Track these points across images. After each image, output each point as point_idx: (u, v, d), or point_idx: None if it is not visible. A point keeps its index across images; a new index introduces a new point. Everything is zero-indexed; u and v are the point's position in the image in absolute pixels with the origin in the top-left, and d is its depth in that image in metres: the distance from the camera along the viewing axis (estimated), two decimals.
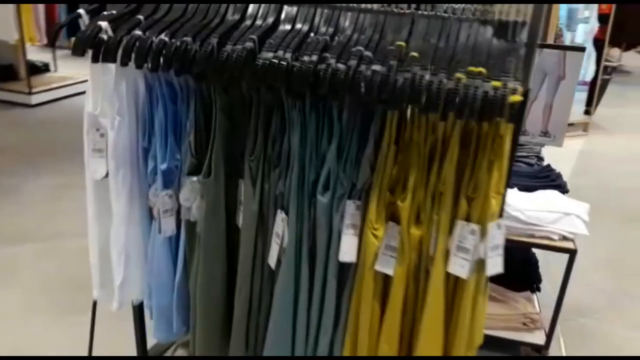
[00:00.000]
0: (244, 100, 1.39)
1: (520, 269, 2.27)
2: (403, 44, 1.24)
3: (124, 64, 1.40)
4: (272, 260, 1.44)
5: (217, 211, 1.46)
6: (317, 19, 1.36)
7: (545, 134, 2.25)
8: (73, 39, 1.43)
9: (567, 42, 5.02)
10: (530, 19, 1.22)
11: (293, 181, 1.36)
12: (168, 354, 2.13)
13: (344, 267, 1.39)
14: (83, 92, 1.78)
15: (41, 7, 5.44)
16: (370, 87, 1.14)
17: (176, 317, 1.63)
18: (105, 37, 1.40)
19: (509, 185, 1.26)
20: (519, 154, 2.40)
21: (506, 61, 1.17)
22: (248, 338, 1.54)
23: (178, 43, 1.30)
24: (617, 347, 2.47)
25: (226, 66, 1.26)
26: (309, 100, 1.30)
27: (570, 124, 4.53)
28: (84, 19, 1.52)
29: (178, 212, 1.55)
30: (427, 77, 1.13)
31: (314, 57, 1.22)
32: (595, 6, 5.17)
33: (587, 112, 5.50)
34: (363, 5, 1.34)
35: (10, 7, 4.97)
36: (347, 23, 1.35)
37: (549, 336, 2.04)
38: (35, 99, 5.43)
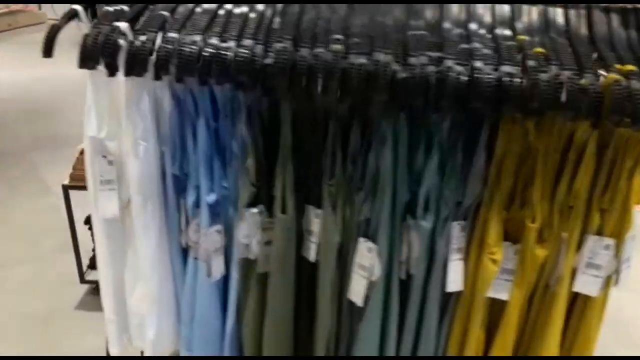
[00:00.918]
0: (314, 115, 1.14)
1: None
2: (524, 37, 1.04)
3: (158, 77, 1.09)
4: (356, 296, 1.22)
5: (290, 247, 1.21)
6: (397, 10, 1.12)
7: None
8: None
9: None
10: None
11: (384, 205, 1.14)
12: None
13: (444, 296, 1.21)
14: None
15: None
16: (520, 96, 0.94)
17: None
18: (124, 42, 1.08)
19: None
20: None
21: None
22: None
23: (244, 51, 1.02)
24: None
25: (353, 84, 0.99)
26: (404, 112, 1.08)
27: None
28: (82, 18, 1.17)
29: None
30: (582, 80, 0.94)
31: (423, 59, 1.00)
32: None
33: None
34: None
35: None
36: (434, 13, 1.12)
37: None
38: None
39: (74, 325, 2.20)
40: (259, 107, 1.15)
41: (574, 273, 1.13)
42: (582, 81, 0.94)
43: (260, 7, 1.14)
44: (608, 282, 1.14)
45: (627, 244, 1.11)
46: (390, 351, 1.26)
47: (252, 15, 1.12)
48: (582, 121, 1.00)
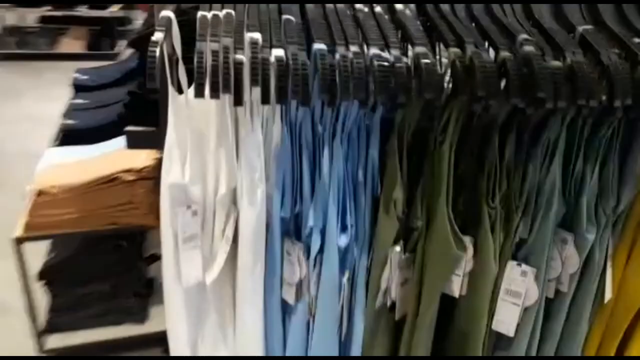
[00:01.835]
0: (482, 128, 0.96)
1: None
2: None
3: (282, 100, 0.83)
4: (507, 327, 1.08)
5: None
6: None
7: None
8: None
9: None
10: None
11: (548, 221, 1.02)
12: None
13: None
14: None
15: None
16: None
17: None
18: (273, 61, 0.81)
19: None
20: None
21: None
22: None
23: (426, 60, 0.81)
24: None
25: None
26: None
27: None
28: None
29: None
30: None
31: None
32: None
33: None
34: None
35: None
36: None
37: None
38: None
39: None
40: (403, 129, 0.95)
41: None
42: None
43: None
44: None
45: None
46: None
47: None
48: None
